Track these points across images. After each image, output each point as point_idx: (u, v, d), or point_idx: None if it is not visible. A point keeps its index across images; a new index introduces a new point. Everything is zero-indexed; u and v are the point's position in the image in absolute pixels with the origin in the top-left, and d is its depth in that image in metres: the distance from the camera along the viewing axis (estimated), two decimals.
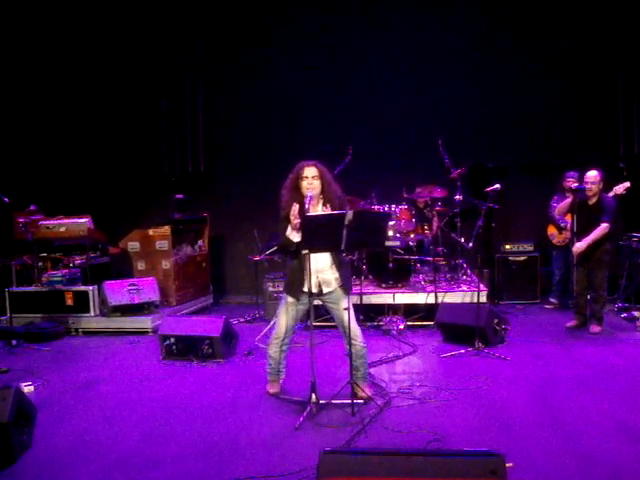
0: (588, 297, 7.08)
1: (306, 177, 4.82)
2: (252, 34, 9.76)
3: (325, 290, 4.87)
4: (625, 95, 9.07)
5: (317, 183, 4.82)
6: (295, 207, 4.66)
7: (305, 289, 4.83)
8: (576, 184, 6.94)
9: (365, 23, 9.51)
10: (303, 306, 5.00)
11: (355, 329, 4.91)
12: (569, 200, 7.12)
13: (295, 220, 4.63)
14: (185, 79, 10.01)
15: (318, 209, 4.87)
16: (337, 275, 4.88)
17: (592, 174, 6.85)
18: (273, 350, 5.13)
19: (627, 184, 6.99)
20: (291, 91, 9.65)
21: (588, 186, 6.82)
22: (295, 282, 4.90)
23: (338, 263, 4.90)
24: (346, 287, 4.94)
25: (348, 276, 5.08)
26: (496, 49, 9.26)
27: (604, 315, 7.09)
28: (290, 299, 4.96)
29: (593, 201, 6.89)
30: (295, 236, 4.68)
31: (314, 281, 4.80)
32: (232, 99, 9.97)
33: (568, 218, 7.71)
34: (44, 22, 9.95)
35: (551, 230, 8.34)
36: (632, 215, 8.50)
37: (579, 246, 6.82)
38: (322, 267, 4.83)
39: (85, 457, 4.13)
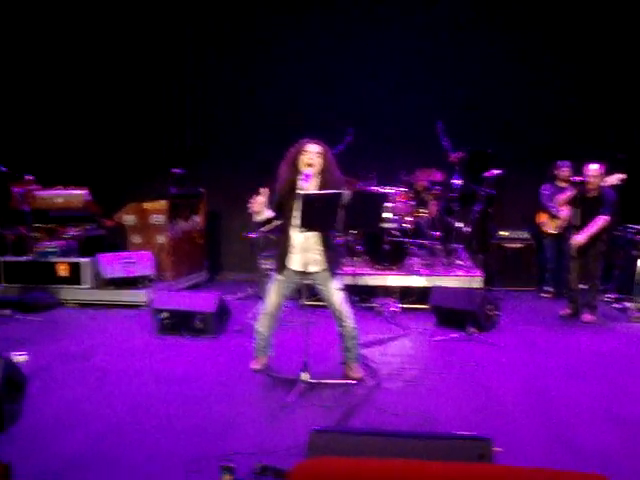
0: (582, 286, 7.11)
1: (307, 152, 4.76)
2: (256, 11, 9.64)
3: (311, 269, 4.80)
4: (627, 86, 9.01)
5: (319, 160, 4.76)
6: (257, 198, 4.68)
7: (291, 266, 4.84)
8: (578, 177, 6.91)
9: (367, 3, 9.41)
10: (292, 284, 4.99)
11: (346, 311, 4.89)
12: (570, 193, 7.09)
13: (253, 209, 4.70)
14: (187, 53, 9.92)
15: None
16: (325, 256, 4.82)
17: (594, 167, 6.82)
18: (260, 325, 5.11)
19: (620, 175, 6.91)
20: (294, 68, 9.55)
21: (590, 179, 6.80)
22: (279, 258, 4.91)
23: (327, 243, 4.84)
24: (332, 269, 4.88)
25: (336, 258, 5.05)
26: (501, 39, 9.17)
27: (597, 305, 7.12)
28: (279, 276, 4.95)
29: (594, 194, 6.88)
30: (266, 214, 4.79)
31: (300, 259, 4.78)
32: (233, 74, 9.88)
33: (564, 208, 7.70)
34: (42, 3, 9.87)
35: (542, 218, 8.29)
36: (629, 206, 8.49)
37: (579, 239, 6.82)
38: (309, 246, 4.75)
39: (74, 426, 4.16)
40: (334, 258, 4.95)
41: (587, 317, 6.98)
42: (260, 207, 4.69)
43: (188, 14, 9.84)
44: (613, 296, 7.94)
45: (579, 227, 6.85)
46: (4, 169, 7.81)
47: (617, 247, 8.12)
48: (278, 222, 5.03)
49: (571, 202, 7.04)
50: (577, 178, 6.91)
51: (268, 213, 4.79)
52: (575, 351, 5.92)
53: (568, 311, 7.24)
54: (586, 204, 6.87)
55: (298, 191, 4.66)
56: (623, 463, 3.64)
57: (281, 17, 9.57)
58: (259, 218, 4.83)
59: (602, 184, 6.85)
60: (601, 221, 6.79)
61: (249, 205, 4.69)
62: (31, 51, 9.96)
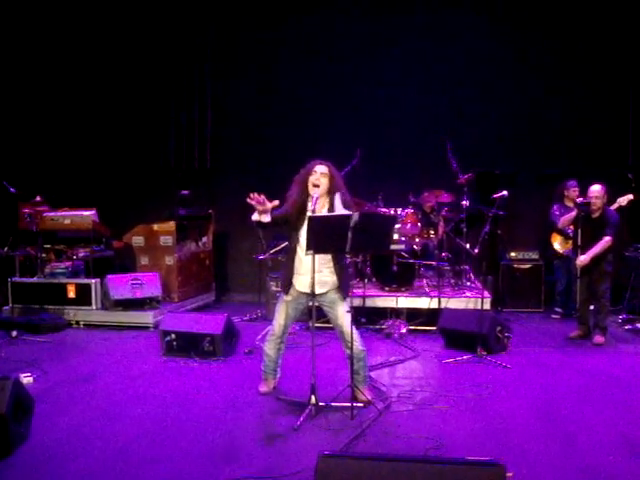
0: (591, 307, 7.06)
1: (315, 172, 4.80)
2: (263, 32, 9.73)
3: (318, 291, 4.72)
4: (635, 105, 9.01)
5: (324, 181, 4.79)
6: (256, 196, 4.59)
7: (298, 288, 4.86)
8: (581, 198, 6.94)
9: (377, 26, 9.47)
10: (300, 305, 5.02)
11: (353, 333, 4.84)
12: (573, 213, 7.08)
13: (254, 203, 4.58)
14: (194, 74, 10.01)
15: (323, 211, 4.83)
16: (334, 278, 4.82)
17: (596, 188, 6.84)
18: (269, 347, 5.13)
19: (630, 196, 7.08)
20: (300, 91, 9.61)
21: (592, 200, 6.81)
22: (286, 279, 4.94)
23: (337, 266, 4.84)
24: (343, 292, 4.87)
25: (347, 281, 5.03)
26: (509, 57, 9.21)
27: (608, 326, 7.06)
28: (286, 297, 4.96)
29: (597, 215, 6.87)
30: (264, 217, 4.64)
31: (307, 281, 4.72)
32: (241, 96, 9.95)
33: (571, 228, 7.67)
34: (54, 15, 9.97)
35: (555, 239, 8.27)
36: (638, 226, 8.44)
37: (583, 259, 6.80)
38: (318, 267, 4.66)
39: (81, 451, 4.11)
40: (343, 280, 4.92)
41: (598, 339, 6.91)
42: (265, 208, 4.61)
43: (198, 37, 9.95)
44: (624, 317, 7.87)
45: (583, 247, 6.83)
46: (13, 190, 7.85)
47: (629, 268, 8.05)
48: (286, 243, 5.01)
49: (574, 223, 7.03)
50: (580, 199, 6.92)
51: (265, 218, 4.66)
52: (586, 373, 5.84)
53: (578, 332, 7.17)
54: (589, 225, 6.86)
55: (307, 213, 4.70)
56: None
57: (291, 40, 9.67)
58: (255, 217, 4.67)
59: (614, 205, 6.85)
60: (604, 241, 6.77)
61: (257, 199, 4.57)
62: (41, 74, 10.07)
